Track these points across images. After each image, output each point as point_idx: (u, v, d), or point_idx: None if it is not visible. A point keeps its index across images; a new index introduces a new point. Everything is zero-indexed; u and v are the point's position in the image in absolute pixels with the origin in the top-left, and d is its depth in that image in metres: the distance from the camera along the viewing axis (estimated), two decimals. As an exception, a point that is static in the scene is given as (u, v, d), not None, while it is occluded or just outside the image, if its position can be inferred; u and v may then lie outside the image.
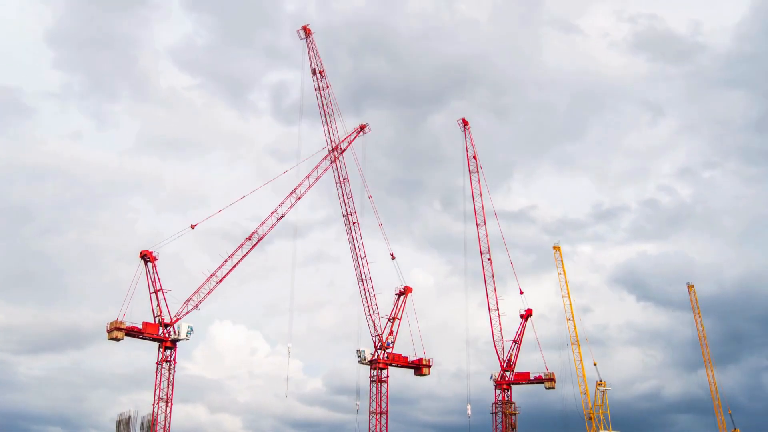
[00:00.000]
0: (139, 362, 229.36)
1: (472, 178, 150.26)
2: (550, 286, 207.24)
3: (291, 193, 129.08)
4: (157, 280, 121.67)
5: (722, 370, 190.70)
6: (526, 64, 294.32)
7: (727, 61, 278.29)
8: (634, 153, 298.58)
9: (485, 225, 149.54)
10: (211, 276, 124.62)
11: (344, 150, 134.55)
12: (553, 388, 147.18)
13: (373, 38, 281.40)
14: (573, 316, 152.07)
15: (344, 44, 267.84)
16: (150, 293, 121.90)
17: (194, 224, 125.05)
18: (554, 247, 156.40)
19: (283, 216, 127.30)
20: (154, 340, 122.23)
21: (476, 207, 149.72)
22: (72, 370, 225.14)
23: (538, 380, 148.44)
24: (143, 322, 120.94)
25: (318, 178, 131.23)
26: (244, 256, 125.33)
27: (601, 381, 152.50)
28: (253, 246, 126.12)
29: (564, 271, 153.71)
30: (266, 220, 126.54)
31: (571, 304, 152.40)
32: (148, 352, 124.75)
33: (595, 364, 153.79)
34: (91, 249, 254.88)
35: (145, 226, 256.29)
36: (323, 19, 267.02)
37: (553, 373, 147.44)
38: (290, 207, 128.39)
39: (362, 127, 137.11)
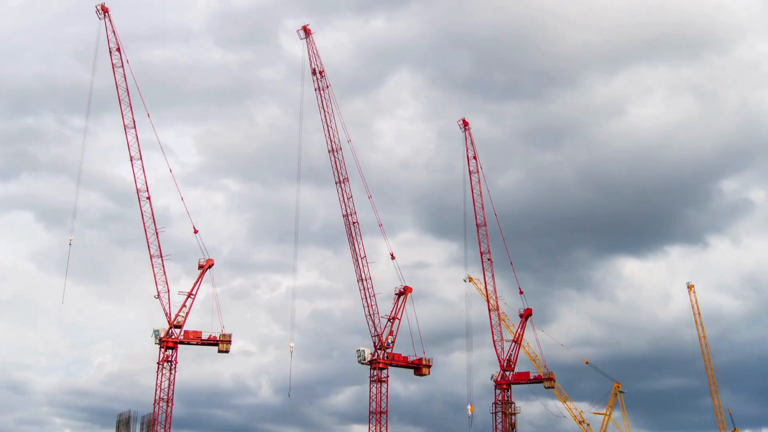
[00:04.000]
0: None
1: (472, 178, 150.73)
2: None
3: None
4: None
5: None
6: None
7: None
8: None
9: (485, 225, 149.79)
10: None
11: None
12: (553, 387, 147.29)
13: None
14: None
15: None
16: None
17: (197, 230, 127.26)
18: None
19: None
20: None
21: (476, 207, 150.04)
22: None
23: (538, 380, 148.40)
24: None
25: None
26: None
27: (617, 383, 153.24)
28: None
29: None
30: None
31: None
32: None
33: (586, 363, 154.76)
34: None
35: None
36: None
37: (552, 373, 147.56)
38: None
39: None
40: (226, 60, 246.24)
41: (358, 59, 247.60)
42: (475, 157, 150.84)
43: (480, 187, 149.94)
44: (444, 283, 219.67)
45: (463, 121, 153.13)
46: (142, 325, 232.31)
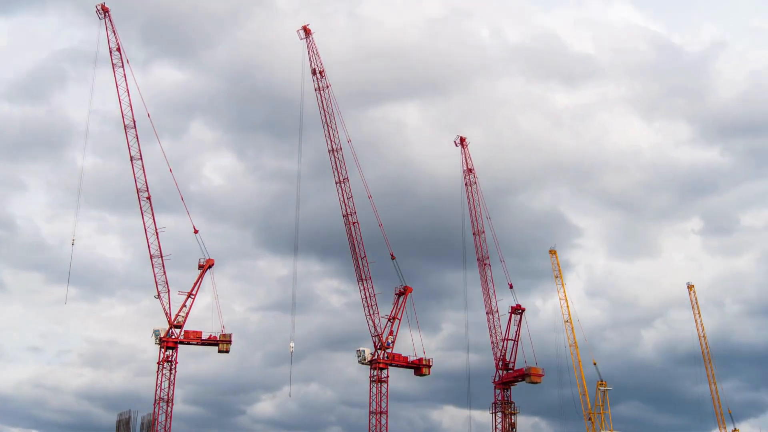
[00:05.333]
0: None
1: (469, 191, 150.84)
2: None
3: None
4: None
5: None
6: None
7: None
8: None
9: (483, 233, 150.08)
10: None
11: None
12: (539, 382, 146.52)
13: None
14: (570, 319, 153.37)
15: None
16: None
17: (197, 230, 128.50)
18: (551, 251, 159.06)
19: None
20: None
21: (474, 215, 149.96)
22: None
23: (520, 373, 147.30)
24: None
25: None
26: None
27: (601, 381, 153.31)
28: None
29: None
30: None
31: (568, 306, 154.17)
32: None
33: (594, 364, 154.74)
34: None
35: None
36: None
37: (533, 368, 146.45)
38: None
39: None
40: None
41: (157, 107, 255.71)
42: (471, 170, 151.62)
43: (478, 197, 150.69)
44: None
45: (461, 138, 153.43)
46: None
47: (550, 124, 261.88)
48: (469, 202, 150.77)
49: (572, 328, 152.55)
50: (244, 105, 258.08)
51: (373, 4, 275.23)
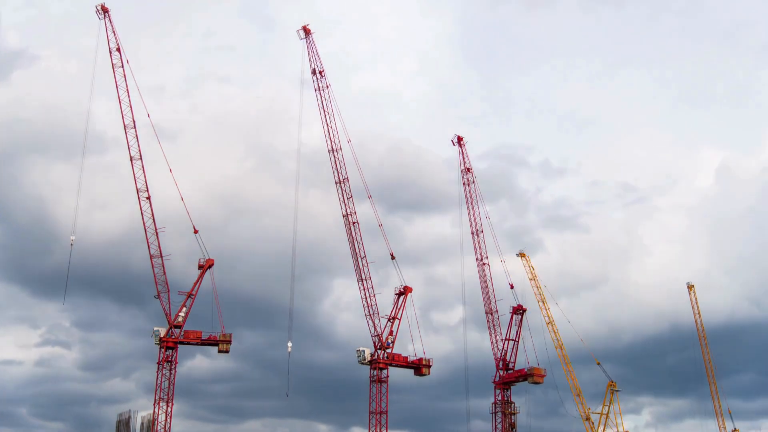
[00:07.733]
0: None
1: (467, 190, 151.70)
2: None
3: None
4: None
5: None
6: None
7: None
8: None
9: (482, 231, 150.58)
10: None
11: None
12: (541, 382, 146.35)
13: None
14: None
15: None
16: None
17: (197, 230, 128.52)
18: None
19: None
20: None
21: (473, 215, 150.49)
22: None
23: (522, 375, 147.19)
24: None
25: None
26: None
27: (611, 381, 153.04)
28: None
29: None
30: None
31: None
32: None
33: (598, 364, 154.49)
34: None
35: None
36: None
37: (535, 368, 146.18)
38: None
39: None
40: None
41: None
42: (469, 170, 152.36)
43: (476, 198, 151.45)
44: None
45: (458, 137, 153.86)
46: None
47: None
48: (467, 202, 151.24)
49: (555, 330, 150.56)
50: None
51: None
